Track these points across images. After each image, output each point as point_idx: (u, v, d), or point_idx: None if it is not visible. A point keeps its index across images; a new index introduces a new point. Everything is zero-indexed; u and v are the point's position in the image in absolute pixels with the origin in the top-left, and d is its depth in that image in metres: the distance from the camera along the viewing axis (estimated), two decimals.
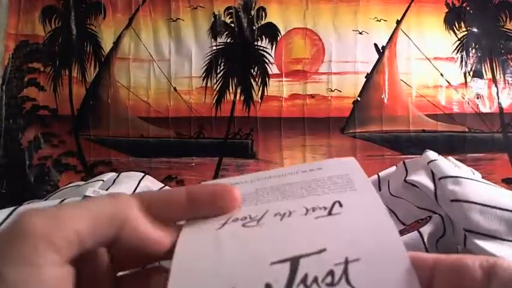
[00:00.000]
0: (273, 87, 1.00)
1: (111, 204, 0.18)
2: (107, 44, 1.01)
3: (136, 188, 0.63)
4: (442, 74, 1.01)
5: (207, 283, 0.17)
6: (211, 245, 0.18)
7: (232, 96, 1.01)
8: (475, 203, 0.45)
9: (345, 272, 0.16)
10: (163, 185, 0.70)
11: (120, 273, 0.22)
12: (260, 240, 0.17)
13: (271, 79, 1.01)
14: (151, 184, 0.66)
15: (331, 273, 0.16)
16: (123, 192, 0.19)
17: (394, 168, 0.65)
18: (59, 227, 0.16)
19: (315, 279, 0.16)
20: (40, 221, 0.16)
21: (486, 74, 1.03)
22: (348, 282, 0.15)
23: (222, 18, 1.02)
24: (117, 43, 1.01)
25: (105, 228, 0.18)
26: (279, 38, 1.02)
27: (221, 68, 1.01)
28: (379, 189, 0.64)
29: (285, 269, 0.16)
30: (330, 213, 0.18)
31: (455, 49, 1.03)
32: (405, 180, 0.57)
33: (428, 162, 0.55)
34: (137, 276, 0.22)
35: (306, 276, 0.16)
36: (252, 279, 0.16)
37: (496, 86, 1.02)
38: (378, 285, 0.15)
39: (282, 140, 0.99)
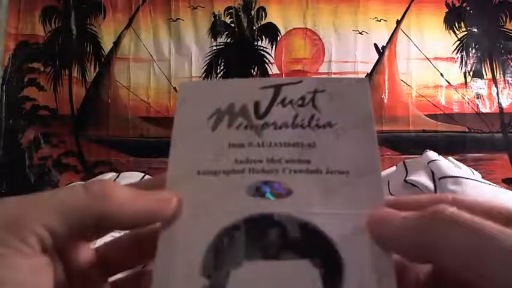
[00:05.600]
0: None
1: (84, 196, 0.18)
2: (107, 44, 1.01)
3: None
4: (442, 74, 1.01)
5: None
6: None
7: None
8: None
9: (313, 98, 0.22)
10: None
11: (112, 279, 0.22)
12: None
13: None
14: None
15: (302, 98, 0.22)
16: (101, 179, 0.19)
17: (394, 168, 0.65)
18: (25, 220, 0.16)
19: (290, 101, 0.22)
20: (6, 213, 0.17)
21: (486, 74, 1.03)
22: (314, 105, 0.21)
23: (222, 18, 1.02)
24: (117, 43, 1.01)
25: (78, 220, 0.17)
26: (279, 38, 1.02)
27: (221, 68, 1.01)
28: None
29: (269, 92, 0.22)
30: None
31: (455, 49, 1.03)
32: (405, 180, 0.57)
33: (429, 162, 0.55)
34: (129, 280, 0.23)
35: (284, 99, 0.22)
36: (245, 98, 0.22)
37: (496, 86, 1.02)
38: (336, 109, 0.21)
39: None
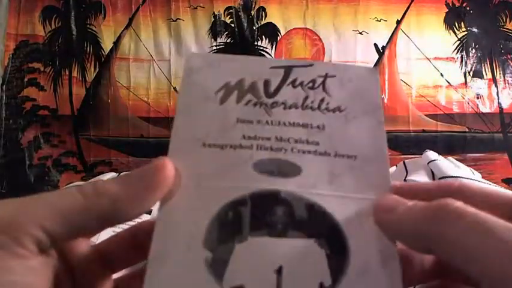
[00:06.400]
0: None
1: (80, 197, 0.18)
2: (107, 44, 1.01)
3: None
4: (442, 74, 1.01)
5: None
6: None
7: None
8: None
9: (323, 82, 0.22)
10: None
11: (115, 276, 0.22)
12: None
13: None
14: None
15: (313, 81, 0.22)
16: (96, 181, 0.19)
17: (394, 168, 0.65)
18: (21, 222, 0.16)
19: (301, 83, 0.21)
20: (1, 215, 0.17)
21: (486, 74, 1.03)
22: (324, 89, 0.21)
23: (222, 18, 1.02)
24: (117, 43, 1.01)
25: (78, 221, 0.17)
26: (279, 38, 1.02)
27: None
28: None
29: (280, 72, 0.22)
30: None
31: (455, 49, 1.03)
32: (405, 180, 0.57)
33: (428, 162, 0.55)
34: (133, 276, 0.23)
35: (294, 80, 0.22)
36: (255, 75, 0.22)
37: (496, 86, 1.02)
38: (346, 95, 0.21)
39: None
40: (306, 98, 0.21)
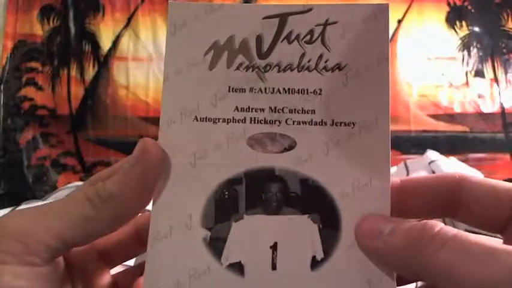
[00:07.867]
0: None
1: (88, 206, 0.18)
2: (105, 44, 1.00)
3: None
4: (443, 74, 1.01)
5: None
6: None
7: None
8: None
9: (323, 32, 0.19)
10: None
11: (112, 272, 0.23)
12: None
13: None
14: None
15: (311, 32, 0.19)
16: (96, 181, 0.19)
17: (395, 168, 0.65)
18: (35, 231, 0.17)
19: (297, 37, 0.19)
20: (17, 223, 0.17)
21: (488, 73, 1.02)
22: (323, 42, 0.19)
23: None
24: (116, 42, 1.00)
25: (89, 228, 0.18)
26: None
27: None
28: None
29: (274, 23, 0.19)
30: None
31: (457, 48, 1.02)
32: None
33: (430, 163, 0.55)
34: (131, 273, 0.24)
35: (290, 33, 0.19)
36: (246, 30, 0.20)
37: (498, 85, 1.02)
38: (348, 47, 0.19)
39: None
40: (303, 55, 0.19)
